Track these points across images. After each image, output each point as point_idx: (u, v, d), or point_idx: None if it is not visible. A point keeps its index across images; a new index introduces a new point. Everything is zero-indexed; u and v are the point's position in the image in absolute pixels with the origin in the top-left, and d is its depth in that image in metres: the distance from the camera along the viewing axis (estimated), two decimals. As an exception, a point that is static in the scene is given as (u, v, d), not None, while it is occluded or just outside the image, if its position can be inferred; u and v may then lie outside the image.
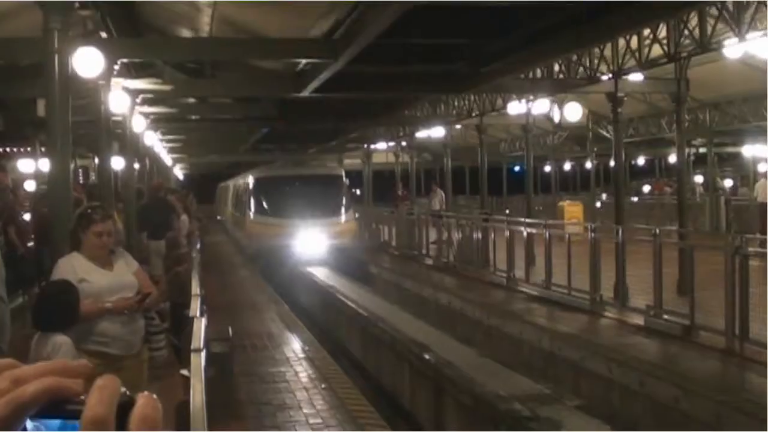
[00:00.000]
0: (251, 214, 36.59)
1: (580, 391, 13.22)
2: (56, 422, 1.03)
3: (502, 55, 19.91)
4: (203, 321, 9.57)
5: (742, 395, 11.38)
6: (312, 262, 33.17)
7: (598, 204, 44.01)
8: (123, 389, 1.03)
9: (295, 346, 16.27)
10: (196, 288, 13.02)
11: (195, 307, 10.91)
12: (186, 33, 21.96)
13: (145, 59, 21.80)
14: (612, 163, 26.92)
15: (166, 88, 24.14)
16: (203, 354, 7.99)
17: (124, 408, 1.02)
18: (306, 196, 34.83)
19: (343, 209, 36.02)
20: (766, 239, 20.74)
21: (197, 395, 6.26)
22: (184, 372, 7.71)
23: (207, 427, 5.82)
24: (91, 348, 7.35)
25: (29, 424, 1.03)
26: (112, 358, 7.38)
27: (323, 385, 12.81)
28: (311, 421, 11.17)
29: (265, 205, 35.76)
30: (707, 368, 13.13)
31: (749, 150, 45.04)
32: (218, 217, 59.13)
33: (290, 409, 11.74)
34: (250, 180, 38.11)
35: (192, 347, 7.99)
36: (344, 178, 38.14)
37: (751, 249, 14.80)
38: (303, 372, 13.96)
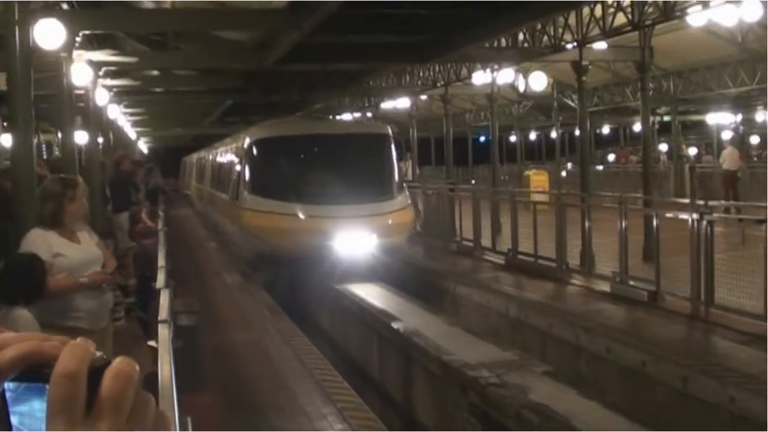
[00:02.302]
0: (249, 199, 22.03)
1: (547, 358, 13.28)
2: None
3: (466, 25, 19.88)
4: (168, 293, 9.52)
5: (708, 359, 11.48)
6: (350, 273, 20.14)
7: (564, 173, 44.16)
8: (100, 353, 1.03)
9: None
10: (162, 260, 12.95)
11: (161, 279, 10.86)
12: (149, 4, 21.78)
13: (107, 31, 21.59)
14: (577, 132, 26.96)
15: (130, 60, 23.96)
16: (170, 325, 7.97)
17: (101, 370, 1.01)
18: (338, 168, 21.68)
19: (395, 188, 22.37)
20: (729, 205, 20.90)
21: (165, 366, 6.25)
22: (152, 343, 7.69)
23: (175, 396, 5.81)
24: (67, 324, 7.31)
25: (8, 386, 1.02)
26: (85, 333, 7.34)
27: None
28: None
29: (272, 183, 21.92)
30: (673, 333, 13.23)
31: (713, 118, 45.27)
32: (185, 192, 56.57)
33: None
34: (247, 144, 23.34)
35: (159, 319, 7.97)
36: (392, 140, 23.98)
37: (716, 215, 14.91)
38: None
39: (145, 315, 13.20)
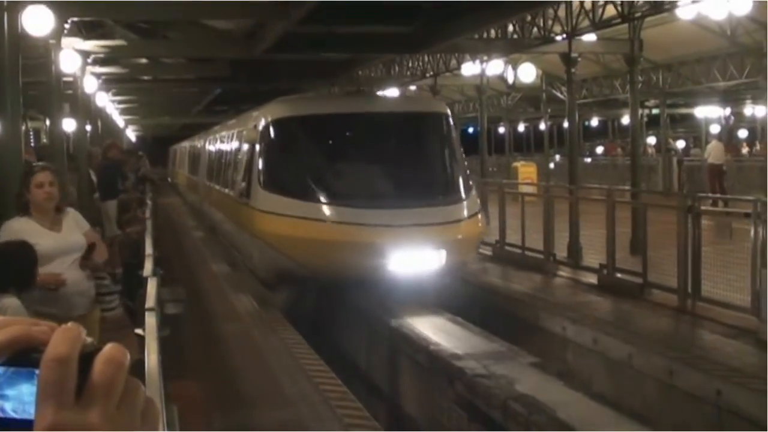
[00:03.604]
0: (264, 199, 16.61)
1: (534, 349, 13.31)
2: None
3: (456, 15, 19.87)
4: (156, 281, 9.50)
5: (694, 352, 11.52)
6: (407, 301, 15.34)
7: (552, 165, 44.25)
8: (90, 339, 1.02)
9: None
10: (149, 248, 12.93)
11: (148, 267, 10.84)
12: (138, -8, 21.70)
13: (96, 18, 21.54)
14: (566, 124, 27.03)
15: (118, 46, 23.88)
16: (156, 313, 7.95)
17: (91, 356, 1.00)
18: (388, 158, 16.73)
19: (463, 186, 16.58)
20: (717, 198, 20.95)
21: (152, 354, 6.24)
22: (139, 331, 7.67)
23: (162, 384, 5.81)
24: (40, 309, 7.27)
25: None
26: (57, 319, 7.26)
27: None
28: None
29: (297, 178, 16.44)
30: (660, 325, 13.27)
31: (701, 111, 45.38)
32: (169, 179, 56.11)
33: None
34: (263, 126, 17.72)
35: (146, 307, 7.95)
36: (452, 121, 18.47)
37: (703, 208, 14.95)
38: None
39: (132, 303, 13.16)
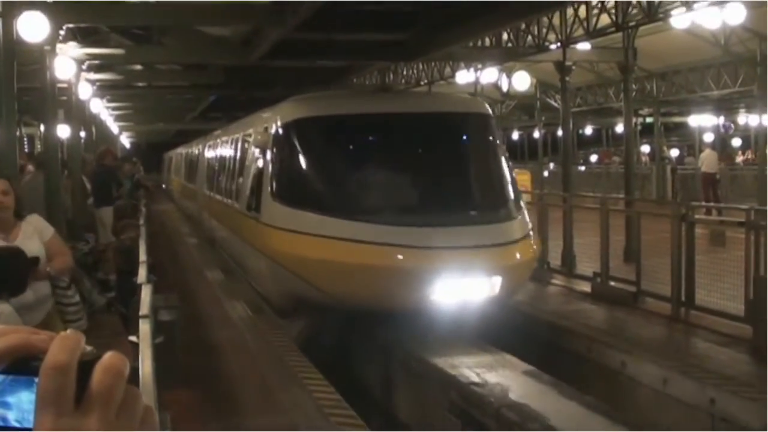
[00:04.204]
0: (278, 213, 14.48)
1: (528, 358, 13.30)
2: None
3: (451, 23, 19.89)
4: (150, 288, 9.49)
5: (688, 360, 11.52)
6: (455, 335, 12.98)
7: (546, 173, 44.24)
8: (90, 347, 1.02)
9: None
10: (143, 255, 12.92)
11: (142, 274, 10.83)
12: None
13: (91, 24, 21.54)
14: (560, 132, 27.03)
15: (113, 52, 23.89)
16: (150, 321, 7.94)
17: (91, 364, 1.01)
18: (426, 167, 14.66)
19: (513, 201, 14.50)
20: (711, 207, 20.98)
21: (146, 361, 6.23)
22: (133, 338, 7.66)
23: (155, 392, 5.80)
24: None
25: None
26: None
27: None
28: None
29: (318, 189, 14.51)
30: (653, 334, 13.28)
31: (695, 120, 45.43)
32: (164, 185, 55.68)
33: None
34: (277, 129, 15.45)
35: (140, 314, 7.94)
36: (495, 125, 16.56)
37: (697, 216, 14.98)
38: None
39: (126, 310, 13.16)
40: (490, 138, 15.42)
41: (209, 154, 27.11)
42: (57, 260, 7.69)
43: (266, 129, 15.89)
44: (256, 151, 16.54)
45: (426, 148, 14.78)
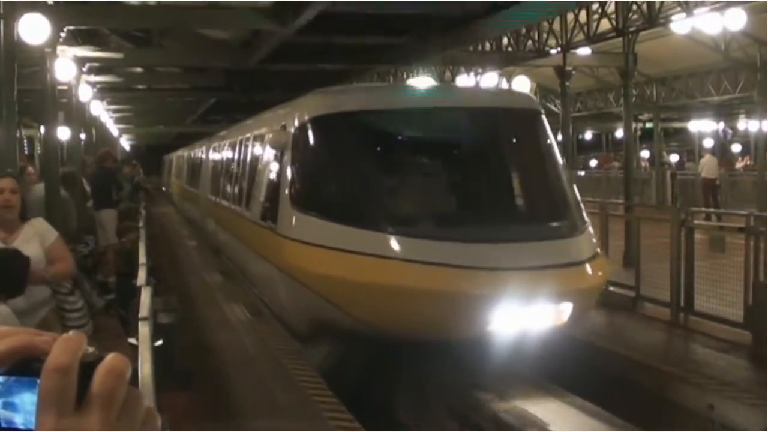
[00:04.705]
0: (300, 224, 12.11)
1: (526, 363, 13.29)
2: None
3: (451, 28, 19.92)
4: (149, 290, 9.49)
5: (687, 366, 11.52)
6: (516, 372, 11.30)
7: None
8: (92, 349, 1.03)
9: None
10: (142, 258, 12.92)
11: (142, 276, 10.83)
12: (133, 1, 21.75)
13: (91, 26, 21.56)
14: (560, 137, 27.05)
15: (114, 56, 23.90)
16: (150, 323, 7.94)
17: (92, 366, 1.01)
18: (476, 171, 12.57)
19: (576, 212, 12.22)
20: (710, 212, 20.99)
21: (146, 363, 6.23)
22: (132, 341, 7.65)
23: (155, 395, 5.80)
24: None
25: None
26: None
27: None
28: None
29: (349, 197, 12.18)
30: (653, 340, 13.27)
31: (695, 125, 45.46)
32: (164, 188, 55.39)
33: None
34: (298, 127, 13.03)
35: (140, 316, 7.93)
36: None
37: (696, 222, 14.98)
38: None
39: (125, 313, 13.16)
40: (547, 138, 13.11)
41: (214, 156, 24.86)
42: (56, 266, 7.57)
43: (284, 127, 13.52)
44: (272, 153, 14.18)
45: (476, 149, 12.79)
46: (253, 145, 17.07)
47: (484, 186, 12.37)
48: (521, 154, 13.35)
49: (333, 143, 12.77)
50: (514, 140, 13.44)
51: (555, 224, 11.83)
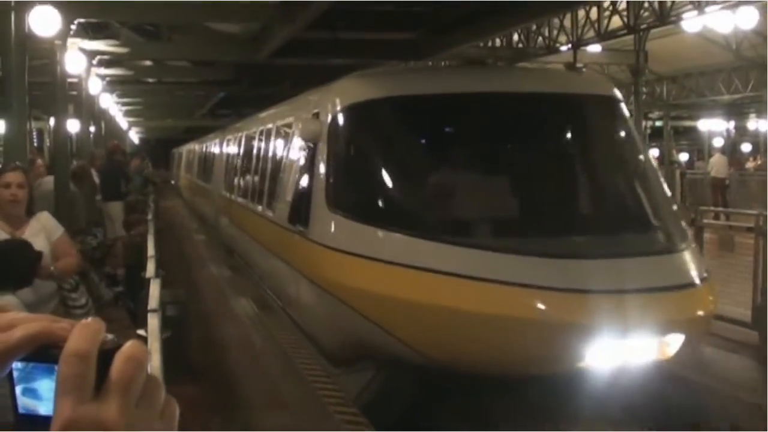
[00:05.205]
0: (336, 229, 10.06)
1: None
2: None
3: (461, 23, 19.89)
4: (158, 282, 9.50)
5: (695, 366, 11.50)
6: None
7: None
8: (111, 336, 1.03)
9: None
10: (151, 250, 12.93)
11: (151, 269, 10.84)
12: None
13: (102, 19, 21.59)
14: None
15: (123, 50, 23.93)
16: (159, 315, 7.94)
17: (111, 353, 1.01)
18: (559, 168, 10.61)
19: (674, 216, 10.30)
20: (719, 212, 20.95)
21: (155, 355, 6.23)
22: (141, 332, 7.66)
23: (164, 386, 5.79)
24: None
25: (15, 365, 1.02)
26: None
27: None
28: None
29: (398, 199, 10.08)
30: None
31: (705, 124, 45.39)
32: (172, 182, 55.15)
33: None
34: (334, 114, 10.99)
35: (149, 308, 7.94)
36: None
37: (705, 221, 14.95)
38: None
39: (133, 305, 13.19)
40: (631, 130, 11.27)
41: (229, 149, 22.99)
42: (62, 261, 7.50)
43: (317, 115, 11.51)
44: (302, 145, 12.10)
45: (554, 143, 10.93)
46: (277, 137, 15.34)
47: (567, 188, 10.45)
48: (606, 150, 11.22)
49: (381, 133, 10.86)
50: (597, 133, 11.27)
51: (656, 235, 9.75)
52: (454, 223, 9.72)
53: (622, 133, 11.17)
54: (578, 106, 11.06)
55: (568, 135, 11.19)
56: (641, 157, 11.13)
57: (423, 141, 10.97)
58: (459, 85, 10.98)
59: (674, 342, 8.65)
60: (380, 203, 10.21)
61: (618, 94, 11.47)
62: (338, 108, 10.98)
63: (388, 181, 10.23)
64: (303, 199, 11.25)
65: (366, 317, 9.24)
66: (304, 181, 11.53)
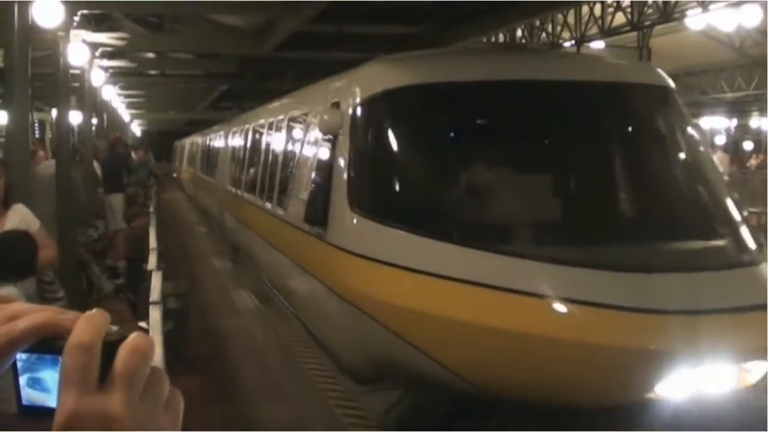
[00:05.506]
0: (360, 232, 8.84)
1: None
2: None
3: (465, 18, 19.88)
4: (160, 275, 9.51)
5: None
6: None
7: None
8: (116, 327, 1.02)
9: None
10: (153, 242, 12.94)
11: (153, 261, 10.85)
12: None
13: (105, 11, 21.58)
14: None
15: (126, 41, 23.92)
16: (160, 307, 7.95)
17: (116, 344, 1.00)
18: (619, 167, 9.28)
19: (742, 223, 8.55)
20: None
21: (157, 347, 6.22)
22: (143, 324, 7.66)
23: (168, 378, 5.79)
24: None
25: (19, 356, 1.02)
26: None
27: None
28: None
29: (433, 199, 8.74)
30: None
31: (707, 122, 45.37)
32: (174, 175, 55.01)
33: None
34: (359, 103, 9.72)
35: (150, 300, 7.94)
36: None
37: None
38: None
39: (134, 297, 13.20)
40: (690, 125, 10.02)
41: (236, 141, 21.76)
42: (41, 253, 7.37)
43: (337, 105, 10.39)
44: (319, 138, 10.89)
45: (616, 138, 9.73)
46: (289, 129, 14.13)
47: (632, 189, 9.21)
48: (670, 147, 9.89)
49: (414, 125, 9.45)
50: (658, 128, 9.91)
51: (732, 244, 8.27)
52: (504, 229, 8.30)
53: (685, 129, 9.84)
54: (637, 97, 9.87)
55: (628, 129, 9.88)
56: (706, 156, 9.96)
57: (462, 133, 9.60)
58: (503, 71, 9.50)
59: (757, 369, 7.45)
60: (414, 204, 8.75)
61: (672, 84, 10.28)
62: (363, 97, 9.77)
63: (424, 178, 9.05)
64: (320, 196, 10.10)
65: (397, 334, 8.03)
66: (322, 177, 10.28)
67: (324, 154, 10.46)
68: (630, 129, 9.82)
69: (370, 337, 8.59)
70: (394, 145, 9.27)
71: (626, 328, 7.03)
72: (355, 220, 8.97)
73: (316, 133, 11.13)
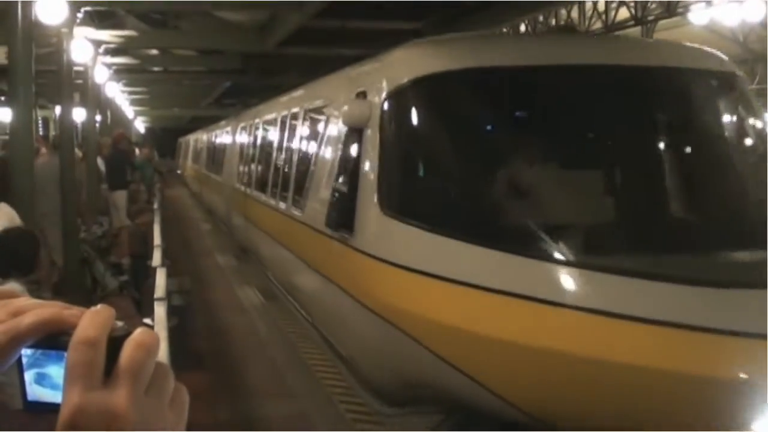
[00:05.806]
0: (391, 237, 7.76)
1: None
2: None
3: (468, 13, 19.87)
4: (164, 271, 9.51)
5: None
6: None
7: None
8: (121, 323, 1.03)
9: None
10: (157, 239, 12.94)
11: (157, 257, 10.85)
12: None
13: (108, 8, 21.57)
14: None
15: (129, 38, 23.92)
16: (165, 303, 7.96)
17: (121, 340, 1.01)
18: (687, 164, 8.02)
19: None
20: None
21: (162, 343, 6.23)
22: (147, 321, 7.67)
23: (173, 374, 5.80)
24: None
25: (24, 351, 1.02)
26: None
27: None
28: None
29: (477, 201, 7.59)
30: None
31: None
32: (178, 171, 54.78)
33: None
34: (389, 93, 8.50)
35: (155, 296, 7.95)
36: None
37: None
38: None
39: (138, 294, 13.22)
40: (759, 117, 8.83)
41: (244, 138, 20.53)
42: None
43: (364, 95, 9.27)
44: (342, 132, 9.91)
45: (677, 131, 8.35)
46: (306, 123, 13.01)
47: (709, 191, 7.99)
48: (746, 142, 8.83)
49: (452, 116, 8.15)
50: (730, 119, 8.95)
51: None
52: (563, 235, 7.01)
53: (758, 122, 8.79)
54: (706, 85, 8.74)
55: (699, 121, 8.60)
56: None
57: (511, 126, 8.30)
58: (551, 54, 8.35)
59: None
60: (455, 205, 7.73)
61: (734, 66, 9.34)
62: (395, 85, 8.60)
63: (465, 177, 7.90)
64: (345, 197, 9.05)
65: (434, 353, 7.06)
66: (347, 175, 9.22)
67: (349, 149, 9.43)
68: (706, 122, 8.67)
69: (403, 354, 7.58)
70: (431, 139, 8.24)
71: (722, 355, 5.98)
72: (385, 224, 7.97)
73: (338, 127, 10.18)
